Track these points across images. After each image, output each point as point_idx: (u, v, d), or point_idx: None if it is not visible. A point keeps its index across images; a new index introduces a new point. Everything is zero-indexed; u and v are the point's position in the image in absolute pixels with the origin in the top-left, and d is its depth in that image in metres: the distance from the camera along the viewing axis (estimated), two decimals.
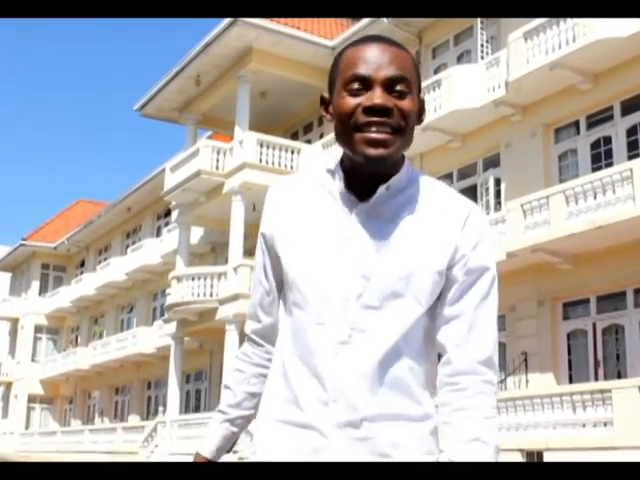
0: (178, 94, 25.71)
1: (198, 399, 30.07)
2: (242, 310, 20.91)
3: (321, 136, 23.98)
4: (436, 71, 20.32)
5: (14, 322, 46.18)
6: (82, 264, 43.51)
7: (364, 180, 1.64)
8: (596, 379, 15.21)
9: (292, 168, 22.63)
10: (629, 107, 15.83)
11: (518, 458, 13.58)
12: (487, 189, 18.78)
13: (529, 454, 13.64)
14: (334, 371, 1.59)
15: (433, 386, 1.67)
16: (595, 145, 16.44)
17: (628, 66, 15.42)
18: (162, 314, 29.88)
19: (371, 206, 1.63)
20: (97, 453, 31.30)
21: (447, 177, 19.99)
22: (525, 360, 16.50)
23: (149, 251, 32.35)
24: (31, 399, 43.77)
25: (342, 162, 1.69)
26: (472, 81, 17.94)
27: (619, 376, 14.90)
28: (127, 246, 37.16)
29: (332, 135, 18.75)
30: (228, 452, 1.88)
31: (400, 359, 1.61)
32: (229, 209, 22.71)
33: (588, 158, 16.49)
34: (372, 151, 1.57)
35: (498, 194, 18.38)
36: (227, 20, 21.68)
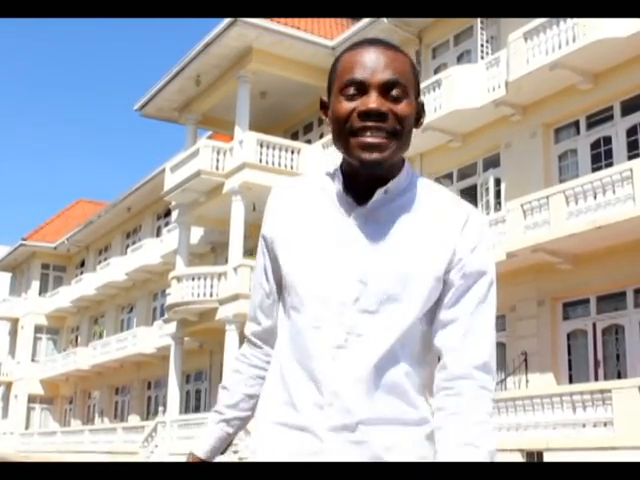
0: (178, 94, 25.71)
1: (198, 399, 30.07)
2: (242, 310, 20.91)
3: (321, 136, 23.97)
4: (436, 71, 20.32)
5: (14, 322, 46.18)
6: (82, 264, 43.51)
7: (362, 183, 1.64)
8: (596, 379, 15.21)
9: (292, 168, 22.63)
10: (629, 107, 15.82)
11: (518, 458, 13.58)
12: (487, 189, 18.78)
13: (529, 454, 13.64)
14: (330, 375, 1.59)
15: (430, 391, 1.67)
16: (595, 145, 16.44)
17: (628, 66, 15.42)
18: (162, 314, 29.87)
19: (369, 210, 1.63)
20: (97, 453, 31.30)
21: (447, 177, 19.99)
22: (525, 360, 16.50)
23: (149, 251, 32.35)
24: (31, 399, 43.77)
25: (342, 165, 1.69)
26: (472, 81, 17.94)
27: (619, 376, 14.90)
28: (127, 246, 37.16)
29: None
30: (222, 453, 1.87)
31: (396, 363, 1.61)
32: (229, 209, 22.71)
33: (588, 158, 16.49)
34: (367, 155, 1.57)
35: (498, 194, 18.37)
36: (227, 20, 21.68)
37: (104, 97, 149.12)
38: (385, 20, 20.27)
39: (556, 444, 13.15)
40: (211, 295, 22.96)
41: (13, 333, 46.62)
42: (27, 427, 43.51)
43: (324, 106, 1.69)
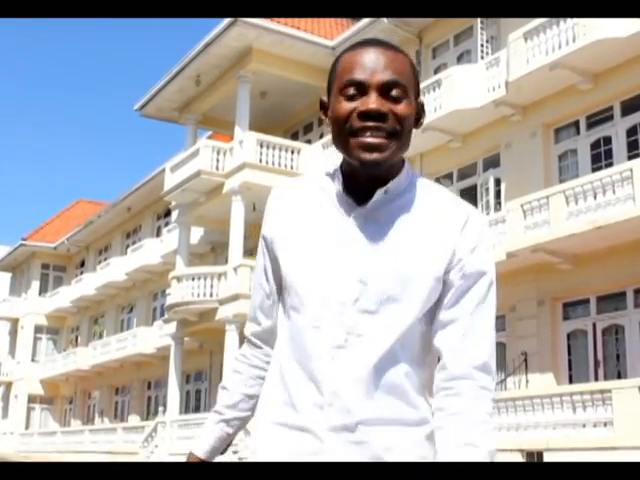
0: (178, 94, 25.71)
1: (198, 399, 30.07)
2: (242, 310, 20.91)
3: (321, 136, 23.97)
4: (436, 71, 20.32)
5: (14, 322, 46.18)
6: (82, 264, 43.52)
7: (362, 184, 1.64)
8: (596, 379, 15.21)
9: (292, 168, 22.63)
10: (629, 107, 15.82)
11: (518, 458, 13.58)
12: (487, 189, 18.78)
13: (529, 454, 13.64)
14: (330, 375, 1.59)
15: (430, 391, 1.67)
16: (595, 145, 16.44)
17: (628, 66, 15.42)
18: (162, 314, 29.88)
19: (369, 210, 1.63)
20: (97, 453, 31.30)
21: (447, 177, 19.99)
22: (525, 360, 16.50)
23: (149, 251, 32.35)
24: (31, 399, 43.77)
25: (342, 166, 1.69)
26: (472, 81, 17.94)
27: (619, 376, 14.90)
28: (127, 246, 37.16)
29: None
30: (222, 454, 1.86)
31: (396, 364, 1.61)
32: (229, 209, 22.71)
33: (588, 158, 16.49)
34: (367, 156, 1.58)
35: (498, 194, 18.37)
36: (227, 20, 21.68)
37: (104, 97, 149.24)
38: (385, 20, 20.27)
39: (556, 444, 13.15)
40: (211, 295, 22.96)
41: (13, 333, 46.62)
42: (27, 427, 43.51)
43: (324, 106, 1.69)
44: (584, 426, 13.07)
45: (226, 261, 23.95)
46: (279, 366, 1.68)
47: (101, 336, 38.28)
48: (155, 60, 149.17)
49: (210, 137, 28.75)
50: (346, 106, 1.60)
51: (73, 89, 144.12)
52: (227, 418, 1.83)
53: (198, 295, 23.21)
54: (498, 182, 18.41)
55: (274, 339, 1.75)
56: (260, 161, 22.40)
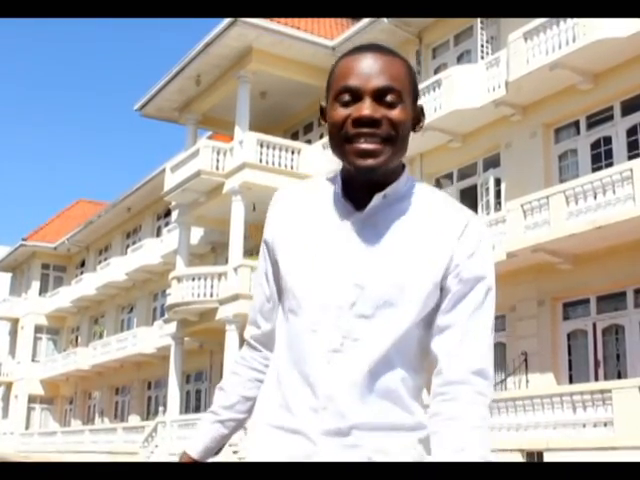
0: (178, 94, 25.71)
1: (198, 399, 30.07)
2: (242, 310, 20.92)
3: (321, 136, 23.97)
4: (436, 71, 20.32)
5: (14, 322, 46.20)
6: (82, 264, 43.53)
7: (361, 189, 1.64)
8: (596, 379, 15.21)
9: (292, 168, 22.64)
10: (629, 107, 15.83)
11: (518, 458, 13.58)
12: (487, 189, 18.78)
13: (529, 454, 13.64)
14: (325, 379, 1.59)
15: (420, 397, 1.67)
16: (595, 145, 16.44)
17: (628, 66, 15.42)
18: (162, 314, 29.89)
19: (366, 214, 1.64)
20: (97, 453, 31.31)
21: (447, 177, 20.00)
22: (525, 360, 16.50)
23: (149, 251, 32.36)
24: (31, 399, 43.77)
25: (342, 170, 1.70)
26: (472, 81, 17.94)
27: (619, 376, 14.90)
28: (127, 246, 37.17)
29: None
30: (215, 455, 1.86)
31: (392, 369, 1.61)
32: (229, 209, 22.71)
33: (588, 158, 16.49)
34: (361, 162, 1.58)
35: (498, 194, 18.38)
36: (227, 20, 21.68)
37: (104, 97, 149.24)
38: (385, 20, 20.28)
39: (556, 444, 13.15)
40: (211, 295, 22.97)
41: (13, 333, 46.63)
42: (27, 427, 43.52)
43: (323, 112, 1.70)
44: (584, 426, 13.07)
45: (226, 261, 23.95)
46: (276, 369, 1.69)
47: (101, 336, 38.29)
48: (155, 60, 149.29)
49: (210, 137, 28.76)
50: (341, 112, 1.61)
51: (73, 89, 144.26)
52: (223, 419, 1.83)
53: (198, 295, 23.22)
54: (498, 182, 18.41)
55: (273, 343, 1.75)
56: (260, 161, 22.40)
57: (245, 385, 1.82)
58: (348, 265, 1.61)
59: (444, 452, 1.56)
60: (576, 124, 16.85)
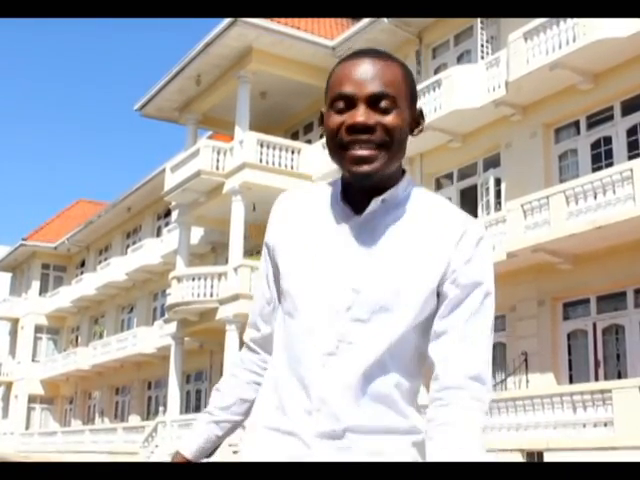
0: (178, 94, 25.71)
1: (198, 399, 30.07)
2: (242, 310, 20.92)
3: (321, 136, 23.85)
4: (436, 71, 20.32)
5: (14, 322, 46.20)
6: (82, 264, 43.53)
7: (360, 193, 1.65)
8: (596, 379, 15.21)
9: (292, 168, 22.64)
10: (629, 107, 15.83)
11: (518, 458, 13.58)
12: (487, 189, 18.78)
13: (529, 454, 13.64)
14: (320, 381, 1.59)
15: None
16: (595, 145, 16.44)
17: (628, 66, 15.42)
18: (162, 314, 29.89)
19: (365, 219, 1.64)
20: (97, 453, 31.32)
21: (447, 177, 20.01)
22: (525, 360, 16.50)
23: (149, 251, 32.36)
24: (31, 399, 43.78)
25: (343, 175, 1.71)
26: (472, 81, 17.94)
27: (619, 376, 14.90)
28: (127, 246, 37.18)
29: None
30: (209, 456, 1.85)
31: (386, 373, 1.61)
32: (229, 209, 22.72)
33: (588, 158, 16.49)
34: (356, 168, 1.59)
35: (498, 194, 18.37)
36: (227, 20, 21.68)
37: (104, 97, 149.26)
38: (385, 20, 20.27)
39: (556, 444, 13.15)
40: (211, 295, 22.97)
41: (13, 333, 46.63)
42: (27, 427, 43.52)
43: (323, 118, 1.71)
44: (584, 426, 13.07)
45: (226, 261, 23.95)
46: (274, 371, 1.70)
47: (101, 336, 38.29)
48: (155, 60, 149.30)
49: (210, 137, 28.75)
50: (336, 120, 1.62)
51: (73, 89, 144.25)
52: (218, 419, 1.83)
53: (198, 295, 23.22)
54: (498, 182, 18.41)
55: (272, 346, 1.76)
56: (260, 161, 22.40)
57: (242, 387, 1.83)
58: (345, 269, 1.62)
59: (437, 457, 1.56)
60: (576, 124, 16.85)
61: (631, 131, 15.78)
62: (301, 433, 1.60)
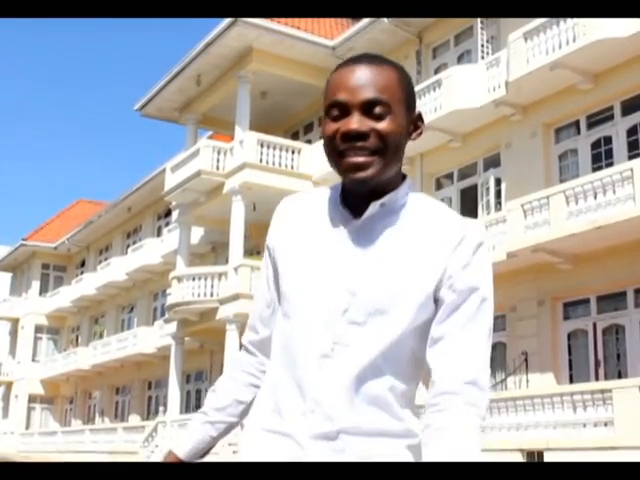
0: (178, 94, 25.71)
1: (198, 399, 30.07)
2: (242, 310, 20.92)
3: (321, 137, 23.95)
4: (436, 71, 20.32)
5: (14, 322, 46.19)
6: (82, 264, 43.53)
7: (359, 197, 1.66)
8: (596, 379, 15.21)
9: (292, 168, 22.64)
10: (629, 107, 15.83)
11: (518, 458, 13.58)
12: (487, 189, 18.78)
13: (529, 454, 13.64)
14: (315, 383, 1.60)
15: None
16: (595, 145, 16.44)
17: (628, 66, 15.42)
18: (162, 314, 29.89)
19: (363, 223, 1.65)
20: (97, 453, 31.31)
21: (447, 177, 20.01)
22: (525, 360, 16.50)
23: (149, 251, 32.37)
24: (31, 399, 43.78)
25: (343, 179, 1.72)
26: (472, 81, 17.94)
27: (619, 376, 14.90)
28: (127, 246, 37.18)
29: None
30: (202, 457, 1.85)
31: (380, 376, 1.61)
32: (229, 209, 22.71)
33: (588, 158, 16.49)
34: (352, 175, 1.61)
35: (498, 194, 18.37)
36: (227, 20, 21.68)
37: (104, 97, 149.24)
38: (385, 20, 20.27)
39: (556, 444, 13.15)
40: (211, 295, 22.97)
41: (13, 333, 46.63)
42: (27, 427, 43.52)
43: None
44: (584, 426, 13.06)
45: (226, 261, 23.95)
46: (272, 373, 1.71)
47: (101, 336, 38.28)
48: (155, 60, 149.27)
49: (210, 137, 28.75)
50: (331, 127, 1.64)
51: (73, 89, 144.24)
52: (213, 420, 1.84)
53: (198, 295, 23.22)
54: (498, 182, 18.41)
55: (269, 349, 1.77)
56: (260, 161, 22.40)
57: (239, 389, 1.83)
58: (341, 271, 1.63)
59: (431, 460, 1.55)
60: (576, 124, 16.85)
61: (631, 131, 15.78)
62: (296, 434, 1.60)
